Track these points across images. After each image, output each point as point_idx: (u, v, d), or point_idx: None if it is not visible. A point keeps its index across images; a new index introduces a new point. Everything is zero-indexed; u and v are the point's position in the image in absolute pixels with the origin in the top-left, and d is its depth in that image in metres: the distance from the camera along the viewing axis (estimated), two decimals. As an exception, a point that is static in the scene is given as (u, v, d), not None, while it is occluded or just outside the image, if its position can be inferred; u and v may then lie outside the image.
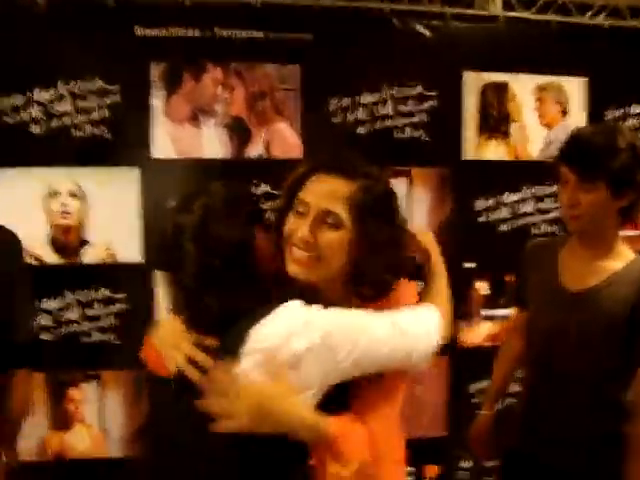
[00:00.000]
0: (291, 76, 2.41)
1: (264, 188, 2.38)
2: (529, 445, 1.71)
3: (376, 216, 1.19)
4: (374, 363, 1.13)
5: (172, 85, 2.35)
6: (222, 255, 1.11)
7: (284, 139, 2.40)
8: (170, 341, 1.18)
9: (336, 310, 1.13)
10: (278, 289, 1.17)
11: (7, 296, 1.73)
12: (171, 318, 1.21)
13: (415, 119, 2.51)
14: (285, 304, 1.10)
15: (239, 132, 2.38)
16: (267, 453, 1.10)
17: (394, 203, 1.25)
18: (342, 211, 1.16)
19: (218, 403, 1.06)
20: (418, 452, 2.60)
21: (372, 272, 1.19)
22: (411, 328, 1.17)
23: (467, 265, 2.60)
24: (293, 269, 1.19)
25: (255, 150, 2.39)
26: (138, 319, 2.35)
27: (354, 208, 1.17)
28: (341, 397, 1.15)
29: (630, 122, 2.77)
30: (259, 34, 2.40)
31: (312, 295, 1.19)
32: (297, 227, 1.18)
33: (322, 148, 2.41)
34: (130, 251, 2.36)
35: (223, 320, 1.11)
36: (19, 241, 1.83)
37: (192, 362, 1.12)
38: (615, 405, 1.59)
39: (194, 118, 2.37)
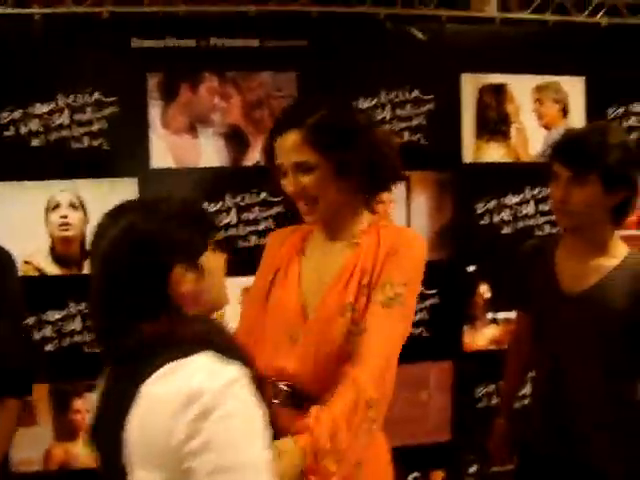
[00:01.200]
0: (287, 83, 2.51)
1: (263, 196, 2.48)
2: (546, 445, 1.79)
3: (338, 141, 1.40)
4: None
5: (169, 95, 2.46)
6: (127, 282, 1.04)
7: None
8: None
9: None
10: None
11: None
12: None
13: (413, 123, 2.60)
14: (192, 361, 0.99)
15: (236, 141, 2.48)
16: None
17: (351, 119, 1.46)
18: (307, 155, 1.39)
19: None
20: (424, 457, 2.71)
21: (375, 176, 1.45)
22: None
23: (469, 269, 2.69)
24: (306, 219, 1.47)
25: (253, 158, 2.48)
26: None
27: (314, 147, 1.39)
28: None
29: (632, 120, 2.85)
30: (254, 42, 2.50)
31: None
32: (286, 185, 1.43)
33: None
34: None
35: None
36: (14, 264, 1.83)
37: None
38: (630, 400, 1.68)
39: (192, 128, 2.47)
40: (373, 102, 2.57)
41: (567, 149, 1.67)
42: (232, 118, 2.48)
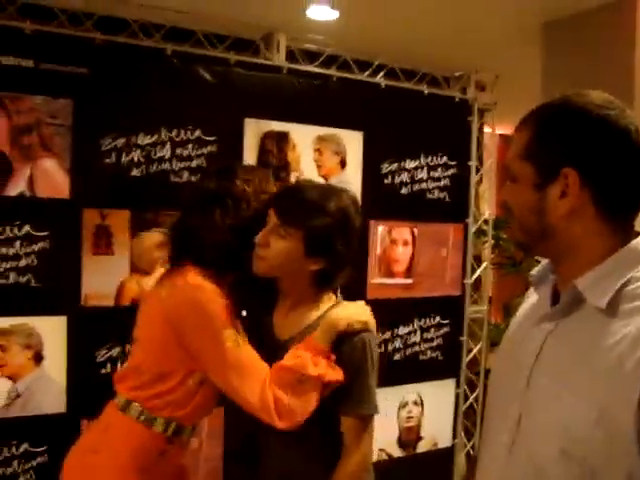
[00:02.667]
0: (62, 110, 2.43)
1: (26, 229, 2.38)
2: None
3: None
4: None
5: None
6: None
7: (50, 177, 2.41)
8: None
9: None
10: None
11: None
12: None
13: (193, 163, 2.64)
14: None
15: (-1, 167, 2.35)
16: None
17: None
18: None
19: None
20: None
21: None
22: None
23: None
24: None
25: (17, 188, 2.37)
26: None
27: None
28: None
29: (404, 176, 3.16)
30: (29, 62, 2.40)
31: None
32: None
33: (92, 189, 2.49)
34: None
35: None
36: None
37: None
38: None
39: (-55, 150, 2.30)
40: (153, 139, 2.57)
41: (282, 197, 1.71)
42: (-5, 142, 2.35)
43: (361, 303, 1.74)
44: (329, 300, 1.75)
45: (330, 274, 1.69)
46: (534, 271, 1.29)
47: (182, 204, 1.83)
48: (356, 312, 1.68)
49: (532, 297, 1.34)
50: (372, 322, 1.69)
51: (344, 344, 1.64)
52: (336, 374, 1.60)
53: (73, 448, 1.80)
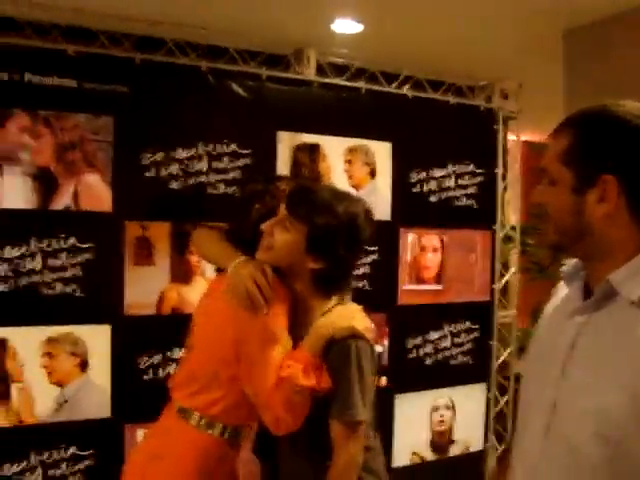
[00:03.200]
0: (104, 127, 2.53)
1: (71, 241, 2.47)
2: None
3: None
4: None
5: (-28, 130, 2.37)
6: None
7: (93, 191, 2.51)
8: None
9: None
10: None
11: None
12: None
13: (229, 176, 2.73)
14: None
15: (45, 182, 2.45)
16: None
17: None
18: None
19: None
20: None
21: None
22: None
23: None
24: None
25: (62, 202, 2.47)
26: None
27: None
28: None
29: (432, 184, 3.22)
30: (72, 82, 2.50)
31: None
32: None
33: (133, 202, 2.58)
34: None
35: None
36: None
37: None
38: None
39: (-4, 166, 2.40)
40: (190, 153, 2.66)
41: (296, 192, 1.73)
42: (42, 159, 2.45)
43: (353, 308, 1.74)
44: (330, 302, 1.75)
45: (329, 276, 1.70)
46: (565, 268, 1.34)
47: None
48: (340, 318, 1.67)
49: (561, 292, 1.39)
50: (361, 327, 1.67)
51: (331, 350, 1.66)
52: (325, 382, 1.63)
53: (133, 454, 1.85)
